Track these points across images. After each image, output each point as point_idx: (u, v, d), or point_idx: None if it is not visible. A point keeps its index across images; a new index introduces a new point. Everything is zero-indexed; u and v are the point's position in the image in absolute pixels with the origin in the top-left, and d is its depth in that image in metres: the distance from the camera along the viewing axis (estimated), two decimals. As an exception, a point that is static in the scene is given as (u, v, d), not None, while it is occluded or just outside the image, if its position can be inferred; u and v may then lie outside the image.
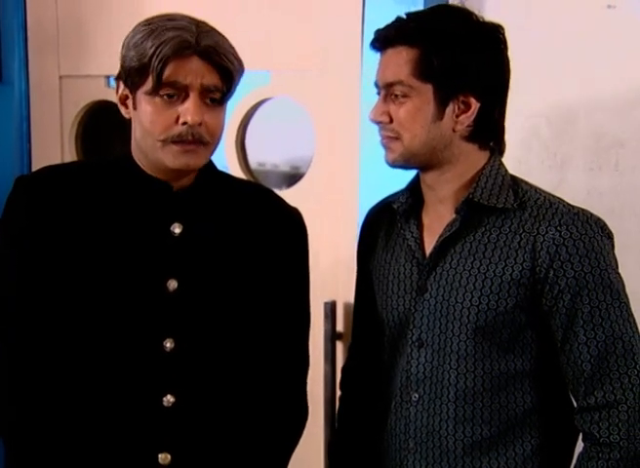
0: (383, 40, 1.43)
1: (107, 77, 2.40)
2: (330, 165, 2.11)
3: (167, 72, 1.29)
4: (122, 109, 1.39)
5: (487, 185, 1.42)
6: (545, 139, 1.90)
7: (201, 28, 1.32)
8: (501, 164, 1.47)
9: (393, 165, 1.45)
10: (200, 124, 1.31)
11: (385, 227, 1.56)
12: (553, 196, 1.44)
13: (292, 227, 1.49)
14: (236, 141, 2.25)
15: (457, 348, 1.41)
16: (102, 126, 2.52)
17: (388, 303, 1.51)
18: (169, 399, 1.38)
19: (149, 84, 1.30)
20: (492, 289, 1.39)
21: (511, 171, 1.51)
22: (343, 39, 2.03)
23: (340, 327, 2.10)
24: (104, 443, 1.37)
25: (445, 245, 1.44)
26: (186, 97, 1.31)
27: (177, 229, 1.39)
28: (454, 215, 1.43)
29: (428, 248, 1.47)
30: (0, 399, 1.37)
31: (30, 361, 1.36)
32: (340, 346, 2.11)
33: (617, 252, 1.81)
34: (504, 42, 1.45)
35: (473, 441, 1.42)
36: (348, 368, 1.69)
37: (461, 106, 1.41)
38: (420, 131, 1.40)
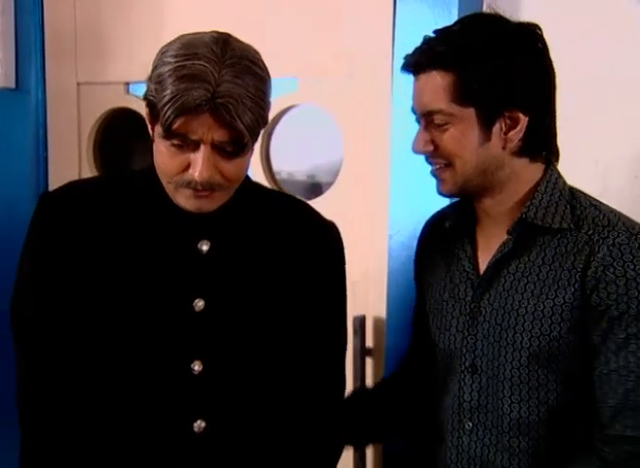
0: (414, 66, 1.35)
1: (126, 84, 2.33)
2: (359, 174, 2.04)
3: (175, 125, 1.20)
4: (149, 126, 1.30)
5: (542, 203, 1.35)
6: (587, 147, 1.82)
7: (224, 74, 1.18)
8: (559, 177, 1.39)
9: (449, 196, 1.40)
10: (211, 175, 1.23)
11: (440, 243, 1.49)
12: (615, 213, 1.35)
13: (326, 242, 1.42)
14: (261, 149, 2.18)
15: (509, 375, 1.34)
16: (121, 133, 2.46)
17: (442, 322, 1.44)
18: (199, 424, 1.33)
19: (161, 128, 1.22)
20: (544, 312, 1.31)
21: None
22: (373, 44, 1.96)
23: (369, 342, 2.02)
24: None
25: (498, 265, 1.37)
26: (197, 147, 1.22)
27: (204, 247, 1.34)
28: (506, 236, 1.36)
29: (483, 267, 1.40)
30: (27, 421, 1.34)
31: (54, 382, 1.32)
32: (369, 362, 2.02)
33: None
34: (543, 41, 1.36)
35: None
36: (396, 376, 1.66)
37: (509, 122, 1.33)
38: (469, 156, 1.33)
